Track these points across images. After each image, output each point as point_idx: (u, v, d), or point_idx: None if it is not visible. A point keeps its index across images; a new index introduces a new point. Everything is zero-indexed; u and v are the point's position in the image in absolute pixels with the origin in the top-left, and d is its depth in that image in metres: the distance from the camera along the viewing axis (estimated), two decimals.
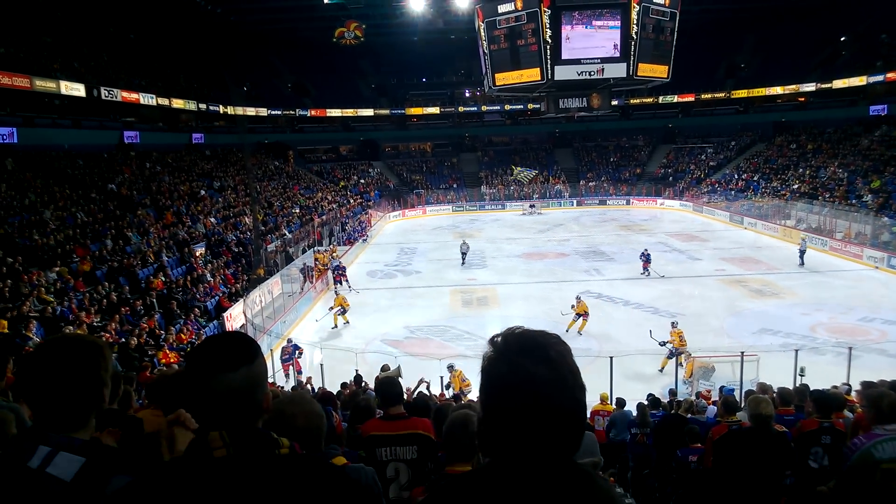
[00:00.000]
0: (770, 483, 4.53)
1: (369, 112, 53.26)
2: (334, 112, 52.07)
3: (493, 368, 1.16)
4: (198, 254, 22.07)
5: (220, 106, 43.01)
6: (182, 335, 15.36)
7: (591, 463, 3.91)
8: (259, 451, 1.39)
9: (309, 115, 51.45)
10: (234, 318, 18.18)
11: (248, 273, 23.02)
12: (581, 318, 18.32)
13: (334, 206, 40.47)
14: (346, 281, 24.66)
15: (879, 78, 40.09)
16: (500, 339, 1.19)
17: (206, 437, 1.37)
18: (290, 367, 15.88)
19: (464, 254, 28.28)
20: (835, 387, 9.97)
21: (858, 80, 41.70)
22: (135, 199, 25.12)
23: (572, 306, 18.49)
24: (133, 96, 32.28)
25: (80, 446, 1.59)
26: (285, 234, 29.87)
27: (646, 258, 25.08)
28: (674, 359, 15.02)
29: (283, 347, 16.38)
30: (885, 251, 25.41)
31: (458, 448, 2.90)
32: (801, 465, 4.83)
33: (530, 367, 1.12)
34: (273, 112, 49.55)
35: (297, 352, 16.16)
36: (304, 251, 28.53)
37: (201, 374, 1.41)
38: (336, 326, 19.84)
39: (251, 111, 47.29)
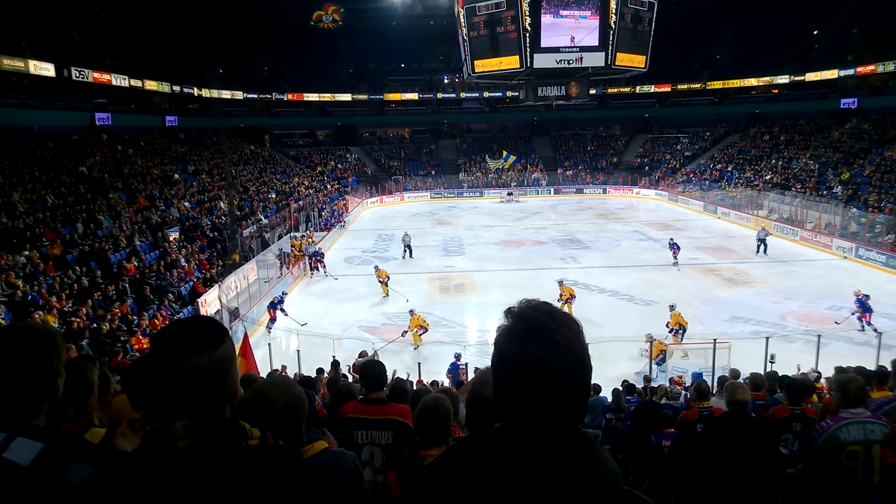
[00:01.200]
0: (745, 468, 4.62)
1: (347, 97, 52.80)
2: (312, 96, 51.55)
3: (503, 347, 1.22)
4: (171, 238, 21.79)
5: (195, 88, 42.34)
6: (156, 321, 15.18)
7: (592, 434, 3.97)
8: (224, 442, 1.35)
9: (286, 99, 50.86)
10: (209, 303, 18.00)
11: (223, 258, 22.79)
12: (567, 303, 18.40)
13: (311, 191, 40.17)
14: (324, 267, 24.58)
15: (850, 72, 40.75)
16: (513, 314, 1.24)
17: (171, 427, 1.33)
18: (276, 313, 18.21)
19: (407, 246, 27.32)
20: (804, 374, 10.20)
21: (830, 74, 42.35)
22: (106, 183, 24.67)
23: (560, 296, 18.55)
24: (105, 77, 31.65)
25: (37, 432, 1.56)
26: (261, 220, 29.61)
27: (676, 247, 24.74)
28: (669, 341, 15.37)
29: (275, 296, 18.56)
30: (854, 241, 25.94)
31: (429, 432, 2.92)
32: (773, 451, 4.94)
33: (537, 350, 1.17)
34: (249, 95, 48.85)
35: (280, 305, 18.25)
36: (280, 237, 28.31)
37: (163, 359, 1.37)
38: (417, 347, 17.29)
39: (227, 94, 46.59)
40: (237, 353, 10.57)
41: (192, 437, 1.32)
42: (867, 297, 16.70)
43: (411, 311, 17.27)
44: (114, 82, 32.59)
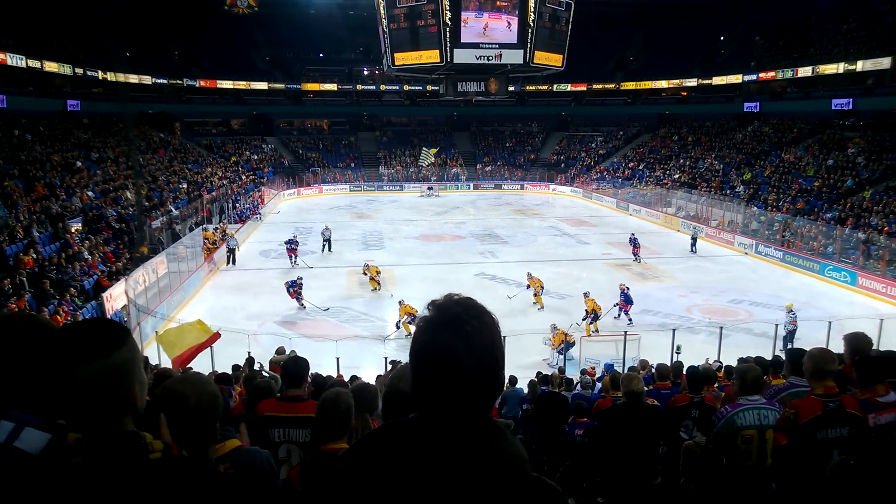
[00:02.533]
0: (646, 452, 4.84)
1: (263, 85, 51.37)
2: (225, 84, 49.81)
3: (418, 335, 1.26)
4: (73, 230, 20.64)
5: (100, 71, 40.07)
6: (57, 316, 14.36)
7: (504, 423, 4.03)
8: (122, 457, 1.27)
9: (198, 85, 48.94)
10: (115, 298, 17.17)
11: (130, 251, 21.80)
12: (536, 294, 19.18)
13: (225, 182, 38.91)
14: (297, 257, 24.34)
15: (753, 77, 43.12)
16: (434, 305, 1.28)
17: (64, 441, 1.26)
18: (295, 295, 18.96)
19: (326, 240, 27.05)
20: (708, 363, 10.73)
21: (735, 78, 44.66)
22: (1, 169, 23.08)
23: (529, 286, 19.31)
24: None
25: (42, 424, 1.51)
26: (171, 211, 28.46)
27: (634, 243, 25.24)
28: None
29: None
30: (754, 238, 27.52)
31: (329, 426, 2.90)
32: (674, 436, 5.19)
33: (448, 339, 1.21)
34: (158, 81, 46.66)
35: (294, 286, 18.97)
36: (191, 229, 27.32)
37: (50, 368, 1.29)
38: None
39: (134, 79, 44.35)
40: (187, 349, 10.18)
41: (86, 452, 1.25)
42: (628, 288, 18.34)
43: (400, 302, 17.15)
44: (9, 62, 30.48)
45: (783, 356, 11.25)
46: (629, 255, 25.95)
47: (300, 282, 19.23)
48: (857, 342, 4.26)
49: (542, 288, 19.29)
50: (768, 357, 10.69)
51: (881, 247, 22.18)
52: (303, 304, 19.09)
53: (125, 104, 38.00)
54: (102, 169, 29.96)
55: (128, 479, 1.25)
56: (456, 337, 1.20)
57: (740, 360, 9.21)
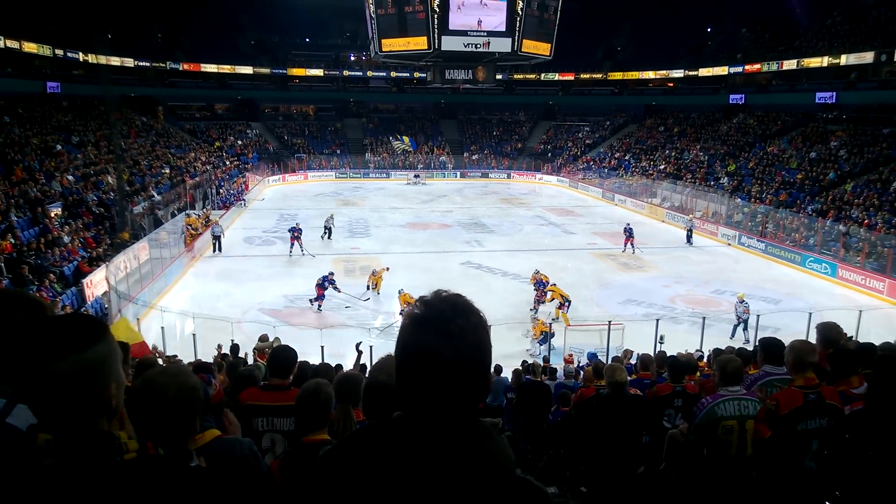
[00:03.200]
0: (629, 442, 4.87)
1: (248, 70, 50.80)
2: (210, 67, 49.20)
3: (402, 334, 1.23)
4: (53, 214, 20.34)
5: (80, 53, 39.42)
6: None
7: (490, 423, 4.04)
8: (95, 458, 1.23)
9: (181, 68, 48.27)
10: (96, 284, 16.97)
11: (111, 236, 21.55)
12: (553, 289, 17.55)
13: (208, 167, 38.51)
14: (300, 244, 23.87)
15: (739, 69, 43.26)
16: (421, 301, 1.24)
17: (36, 441, 1.21)
18: (324, 291, 18.11)
19: (328, 228, 26.89)
20: (688, 352, 10.82)
21: (721, 70, 44.79)
22: None
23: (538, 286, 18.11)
24: None
25: None
26: (154, 196, 28.15)
27: (629, 233, 25.10)
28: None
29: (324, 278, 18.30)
30: (737, 230, 27.74)
31: (309, 417, 2.88)
32: (656, 425, 5.23)
33: (432, 339, 1.18)
34: (141, 63, 45.98)
35: (328, 282, 18.17)
36: (174, 214, 27.06)
37: (23, 365, 1.25)
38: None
39: (116, 61, 43.58)
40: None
41: (58, 453, 1.21)
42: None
43: (399, 291, 17.00)
44: None
45: (735, 346, 11.49)
46: (614, 244, 26.07)
47: (332, 277, 18.44)
48: (828, 332, 4.39)
49: (565, 301, 17.09)
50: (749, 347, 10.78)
51: (860, 239, 22.48)
52: (320, 307, 18.04)
53: (106, 87, 37.36)
54: (83, 153, 29.52)
55: (101, 481, 1.20)
56: (440, 336, 1.17)
57: (715, 352, 9.29)
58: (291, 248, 23.88)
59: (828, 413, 3.58)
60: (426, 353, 1.18)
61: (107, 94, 35.66)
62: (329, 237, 26.80)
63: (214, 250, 24.32)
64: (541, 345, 14.95)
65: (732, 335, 15.79)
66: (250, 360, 10.65)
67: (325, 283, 18.15)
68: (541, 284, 17.67)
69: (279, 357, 4.15)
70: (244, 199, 35.10)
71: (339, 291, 18.51)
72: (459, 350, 1.17)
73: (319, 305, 18.13)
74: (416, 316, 1.22)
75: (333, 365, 10.95)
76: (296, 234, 23.90)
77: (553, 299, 17.14)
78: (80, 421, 1.27)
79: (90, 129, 33.73)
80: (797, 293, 19.99)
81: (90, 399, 1.28)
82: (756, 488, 3.80)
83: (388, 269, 19.94)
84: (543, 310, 17.10)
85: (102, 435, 1.28)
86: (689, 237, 27.29)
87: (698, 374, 7.73)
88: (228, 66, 49.93)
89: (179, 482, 1.31)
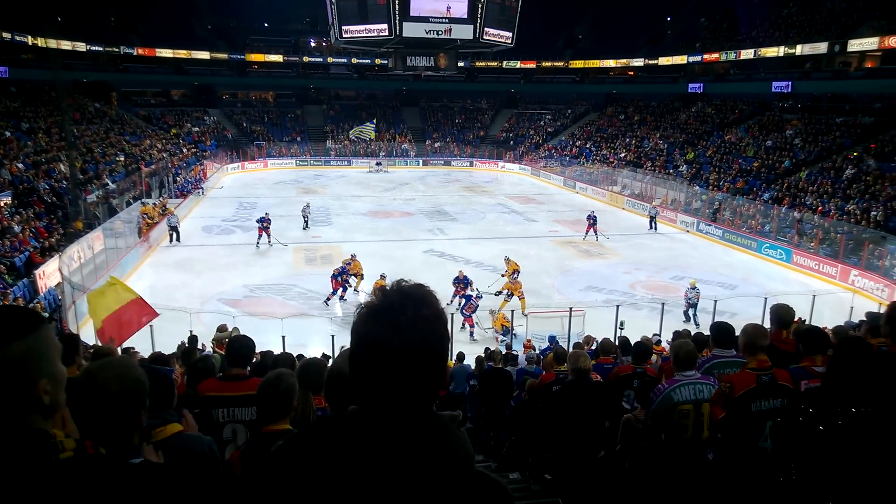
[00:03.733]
0: (591, 428, 4.91)
1: (205, 55, 49.67)
2: (165, 52, 47.99)
3: (355, 326, 1.21)
4: (2, 203, 19.69)
5: (29, 37, 37.99)
6: None
7: (448, 416, 4.03)
8: (26, 457, 1.16)
9: (136, 53, 46.97)
10: (49, 275, 16.52)
11: (64, 226, 20.96)
12: (513, 277, 17.59)
13: (165, 155, 37.60)
14: (269, 235, 23.17)
15: (698, 58, 43.87)
16: (380, 293, 1.21)
17: None
18: (340, 286, 17.45)
19: (305, 217, 26.56)
20: (646, 337, 10.98)
21: (680, 59, 45.39)
22: None
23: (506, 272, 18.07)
24: None
25: None
26: (108, 185, 27.42)
27: (593, 220, 25.17)
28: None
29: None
30: (696, 217, 28.25)
31: (271, 408, 2.84)
32: (616, 407, 5.29)
33: (380, 330, 1.16)
34: (93, 48, 44.55)
35: (342, 276, 17.48)
36: (129, 203, 26.40)
37: None
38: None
39: (67, 45, 42.15)
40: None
41: None
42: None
43: (382, 275, 16.18)
44: None
45: (690, 329, 11.76)
46: (575, 232, 26.28)
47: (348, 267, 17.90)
48: (782, 313, 4.61)
49: (518, 272, 17.75)
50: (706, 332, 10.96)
51: (814, 226, 23.08)
52: (343, 298, 17.62)
53: (57, 72, 36.02)
54: (33, 140, 28.60)
55: (33, 481, 1.13)
56: (387, 327, 1.15)
57: (675, 335, 9.47)
58: (259, 238, 23.14)
59: (781, 394, 3.67)
60: (374, 345, 1.15)
61: (58, 80, 34.34)
62: (307, 227, 26.34)
63: (172, 241, 23.70)
64: (504, 336, 15.05)
65: (686, 320, 16.06)
66: (209, 352, 10.46)
67: (341, 274, 17.50)
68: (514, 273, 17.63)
69: (237, 347, 4.10)
70: (202, 188, 34.42)
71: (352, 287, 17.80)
72: (408, 341, 1.14)
73: (342, 297, 17.58)
74: (369, 306, 1.20)
75: (295, 355, 10.84)
76: (265, 224, 23.15)
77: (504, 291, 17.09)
78: (8, 418, 1.19)
79: (41, 115, 32.67)
80: (753, 279, 20.47)
81: (16, 396, 1.21)
82: (712, 470, 3.86)
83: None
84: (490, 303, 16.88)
85: (35, 433, 1.21)
86: (652, 223, 27.68)
87: (655, 357, 7.84)
88: (185, 52, 48.76)
89: (119, 481, 1.23)
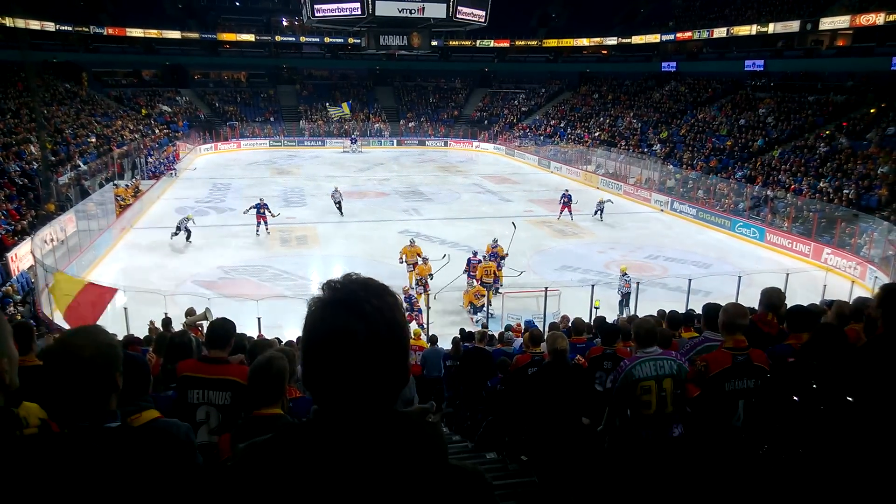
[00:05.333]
0: (567, 409, 4.98)
1: (176, 34, 48.63)
2: (135, 32, 46.87)
3: (311, 317, 1.14)
4: None
5: None
6: None
7: (419, 410, 4.06)
8: None
9: (106, 33, 45.78)
10: (21, 258, 16.33)
11: (35, 208, 20.64)
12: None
13: (137, 135, 36.95)
14: (266, 223, 22.27)
15: (671, 37, 43.87)
16: (329, 285, 1.16)
17: None
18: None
19: (338, 203, 25.27)
20: (620, 316, 11.13)
21: (653, 38, 45.35)
22: None
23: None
24: None
25: None
26: (80, 166, 26.91)
27: (567, 199, 24.97)
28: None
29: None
30: (670, 196, 28.52)
31: (261, 391, 2.87)
32: (589, 388, 5.37)
33: (344, 319, 1.10)
34: (62, 27, 43.27)
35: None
36: (101, 185, 25.94)
37: None
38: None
39: (35, 24, 40.88)
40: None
41: None
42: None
43: (411, 241, 15.84)
44: None
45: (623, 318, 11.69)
46: (550, 212, 26.38)
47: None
48: (773, 296, 4.64)
49: (507, 256, 17.63)
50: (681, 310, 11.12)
51: (787, 204, 23.42)
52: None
53: (25, 52, 34.96)
54: (3, 121, 27.92)
55: None
56: (354, 317, 1.10)
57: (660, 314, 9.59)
58: (258, 226, 22.17)
59: (755, 374, 3.76)
60: (339, 337, 1.09)
61: (26, 60, 33.33)
62: (341, 213, 25.26)
63: (186, 239, 21.49)
64: (474, 314, 15.12)
65: (620, 313, 14.76)
66: None
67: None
68: (494, 256, 17.45)
69: (218, 329, 4.07)
70: (175, 169, 33.91)
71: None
72: (375, 331, 1.10)
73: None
74: (326, 298, 1.14)
75: (272, 338, 10.81)
76: (262, 210, 22.05)
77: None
78: None
79: (10, 96, 31.87)
80: (727, 257, 20.77)
81: None
82: (678, 447, 3.95)
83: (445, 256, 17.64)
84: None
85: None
86: (597, 213, 25.97)
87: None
88: (155, 31, 47.67)
89: (90, 457, 1.24)
